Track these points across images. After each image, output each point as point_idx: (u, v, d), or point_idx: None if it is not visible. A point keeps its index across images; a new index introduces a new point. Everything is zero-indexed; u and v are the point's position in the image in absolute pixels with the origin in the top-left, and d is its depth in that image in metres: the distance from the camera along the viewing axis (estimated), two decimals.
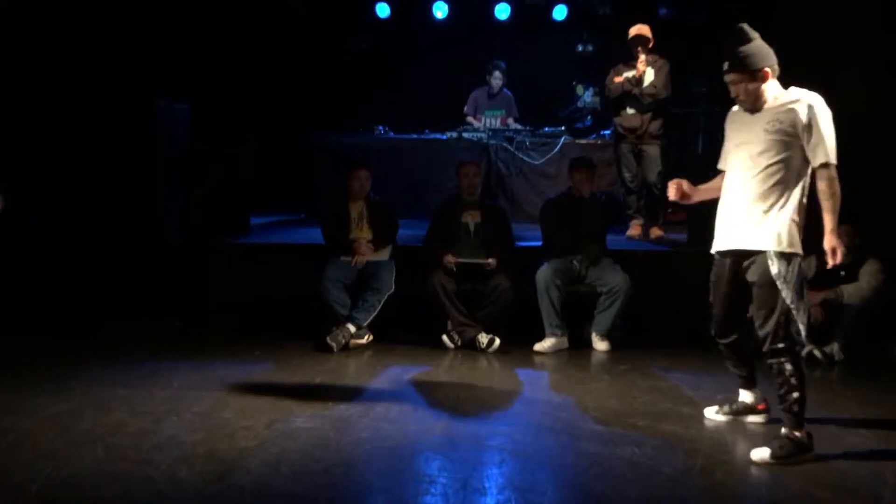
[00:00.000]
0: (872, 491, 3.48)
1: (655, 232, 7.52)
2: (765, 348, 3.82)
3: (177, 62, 7.43)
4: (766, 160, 3.79)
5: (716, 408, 4.40)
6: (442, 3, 10.07)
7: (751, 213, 3.84)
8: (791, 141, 3.75)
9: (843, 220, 5.75)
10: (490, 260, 5.96)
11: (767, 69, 3.78)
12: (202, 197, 7.08)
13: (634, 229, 7.54)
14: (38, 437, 3.89)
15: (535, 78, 9.69)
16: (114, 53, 6.91)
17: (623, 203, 7.65)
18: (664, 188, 7.50)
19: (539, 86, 9.66)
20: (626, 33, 7.35)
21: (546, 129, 8.89)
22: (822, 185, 3.72)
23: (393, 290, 5.96)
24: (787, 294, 3.75)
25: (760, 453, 3.77)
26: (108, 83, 6.82)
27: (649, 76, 7.26)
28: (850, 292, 5.75)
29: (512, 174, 8.72)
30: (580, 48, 10.06)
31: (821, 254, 5.88)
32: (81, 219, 6.63)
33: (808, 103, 3.73)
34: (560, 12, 10.14)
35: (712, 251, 4.07)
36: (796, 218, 3.80)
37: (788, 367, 3.78)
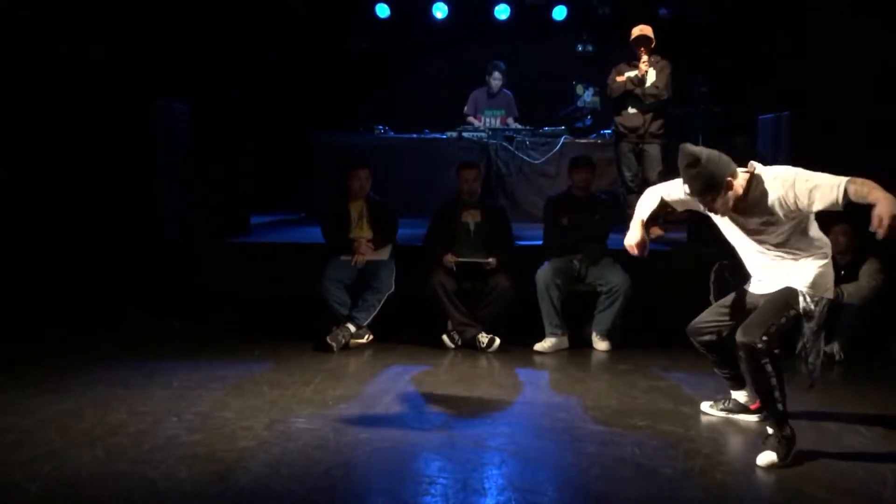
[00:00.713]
0: (872, 491, 3.48)
1: (655, 231, 7.51)
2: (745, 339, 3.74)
3: (177, 62, 7.44)
4: (781, 240, 3.80)
5: (711, 402, 4.47)
6: (442, 3, 10.07)
7: (780, 265, 3.88)
8: (796, 215, 3.70)
9: (843, 220, 5.82)
10: (490, 259, 5.96)
11: (729, 178, 3.65)
12: (202, 197, 7.08)
13: None
14: (38, 437, 3.89)
15: (535, 78, 9.70)
16: (114, 53, 6.91)
17: (623, 202, 7.65)
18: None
19: (539, 86, 9.66)
20: (626, 33, 7.35)
21: (546, 128, 8.90)
22: (853, 190, 3.49)
23: (393, 289, 5.96)
24: (807, 329, 3.86)
25: (767, 458, 3.73)
26: (108, 83, 6.83)
27: (651, 76, 7.27)
28: (850, 292, 5.75)
29: (512, 174, 8.72)
30: (580, 48, 10.06)
31: None
32: (81, 218, 6.63)
33: (782, 178, 3.64)
34: (560, 13, 10.14)
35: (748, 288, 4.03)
36: (822, 265, 3.87)
37: (769, 367, 3.74)
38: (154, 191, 6.89)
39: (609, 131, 8.48)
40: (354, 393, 4.80)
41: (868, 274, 5.79)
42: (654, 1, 9.53)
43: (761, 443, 3.82)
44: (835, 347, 5.68)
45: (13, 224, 6.43)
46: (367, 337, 5.93)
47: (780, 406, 3.77)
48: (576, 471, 3.70)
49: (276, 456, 3.71)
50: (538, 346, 5.83)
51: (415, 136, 9.09)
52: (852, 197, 3.48)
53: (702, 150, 3.69)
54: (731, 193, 3.69)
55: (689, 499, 3.43)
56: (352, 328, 5.80)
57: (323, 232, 6.25)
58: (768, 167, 3.77)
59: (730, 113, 8.78)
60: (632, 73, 7.24)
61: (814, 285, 3.83)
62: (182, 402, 4.46)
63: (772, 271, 3.91)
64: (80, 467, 3.54)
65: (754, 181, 3.72)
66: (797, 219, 3.73)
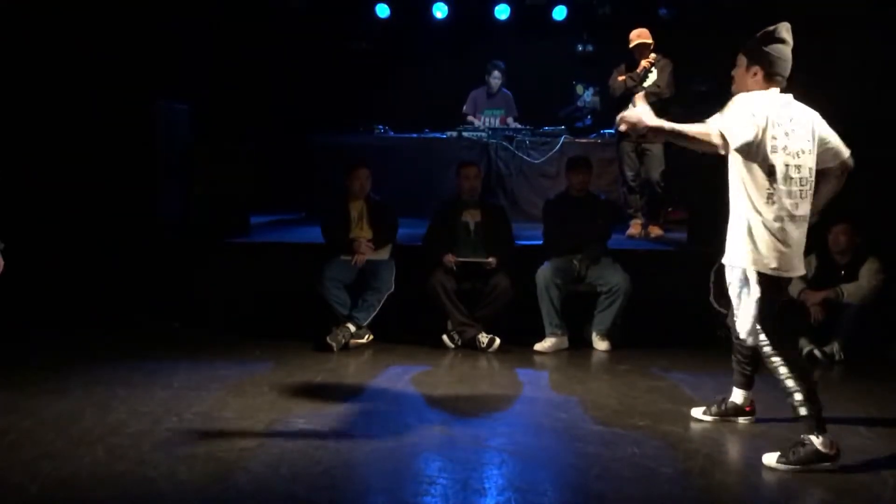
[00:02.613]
0: (873, 492, 3.48)
1: (655, 231, 7.52)
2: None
3: (177, 62, 7.43)
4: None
5: (703, 408, 4.37)
6: (442, 3, 10.06)
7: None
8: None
9: (843, 220, 5.82)
10: (490, 259, 5.96)
11: (761, 72, 3.76)
12: (202, 197, 7.08)
13: (634, 228, 7.54)
14: (38, 437, 3.89)
15: (535, 78, 9.69)
16: (114, 53, 6.91)
17: (624, 202, 7.66)
18: (667, 186, 7.53)
19: (539, 86, 9.66)
20: (627, 33, 7.34)
21: (546, 128, 8.89)
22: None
23: (393, 289, 5.96)
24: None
25: (768, 459, 3.72)
26: (108, 83, 6.82)
27: (652, 76, 7.26)
28: (850, 292, 5.75)
29: (512, 173, 8.72)
30: (580, 48, 10.05)
31: (821, 253, 5.94)
32: (81, 218, 6.63)
33: None
34: (560, 13, 10.13)
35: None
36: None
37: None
38: (154, 191, 6.89)
39: (611, 131, 8.48)
40: (354, 393, 4.80)
41: (868, 274, 5.79)
42: (654, 1, 9.53)
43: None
44: (835, 347, 5.68)
45: (13, 224, 6.42)
46: (367, 337, 5.93)
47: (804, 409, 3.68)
48: (576, 471, 3.70)
49: (276, 456, 3.71)
50: (538, 346, 5.83)
51: (415, 135, 9.09)
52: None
53: (788, 39, 3.79)
54: (749, 83, 3.77)
55: (689, 499, 3.43)
56: (352, 328, 5.80)
57: (323, 232, 6.25)
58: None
59: None
60: (639, 70, 7.23)
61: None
62: (182, 402, 4.46)
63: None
64: (80, 467, 3.54)
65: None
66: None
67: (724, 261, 3.88)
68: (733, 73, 3.89)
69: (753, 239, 3.70)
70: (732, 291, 3.84)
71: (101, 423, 4.08)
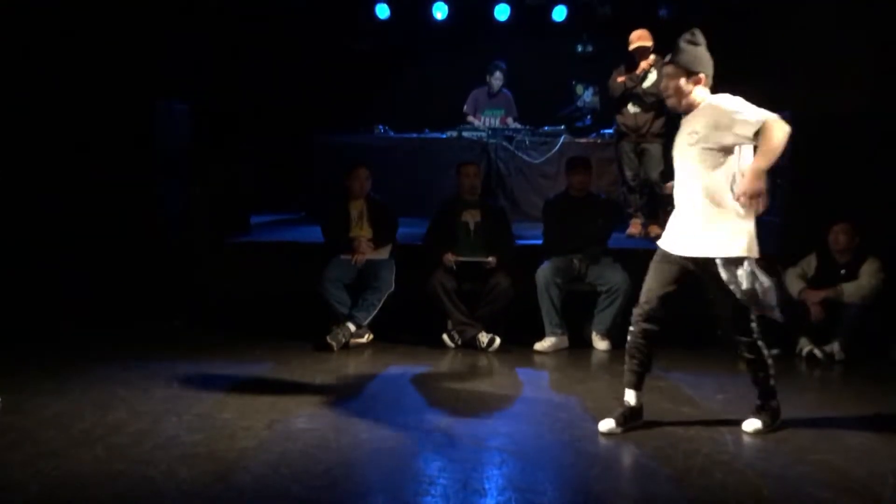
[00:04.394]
0: (872, 491, 3.48)
1: (655, 230, 7.51)
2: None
3: (177, 62, 7.43)
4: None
5: (612, 421, 4.12)
6: (442, 3, 10.06)
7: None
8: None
9: (843, 219, 5.82)
10: (490, 259, 5.96)
11: (702, 75, 3.94)
12: (202, 197, 7.08)
13: (634, 227, 7.56)
14: (39, 436, 3.89)
15: (535, 78, 9.68)
16: (114, 53, 6.91)
17: (624, 201, 7.66)
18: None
19: (539, 86, 9.65)
20: (627, 33, 7.35)
21: (546, 128, 8.90)
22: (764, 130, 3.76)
23: (393, 288, 5.96)
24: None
25: (753, 424, 4.13)
26: (108, 83, 6.82)
27: (652, 76, 7.27)
28: (850, 292, 5.75)
29: (511, 173, 8.72)
30: (580, 48, 10.05)
31: (821, 252, 5.95)
32: (81, 219, 6.63)
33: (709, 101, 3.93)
34: (560, 13, 10.13)
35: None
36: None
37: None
38: (154, 191, 6.89)
39: (610, 131, 8.48)
40: (354, 393, 4.80)
41: (868, 274, 5.79)
42: (654, 1, 9.52)
43: (752, 413, 4.16)
44: (835, 347, 5.68)
45: (13, 224, 6.42)
46: (367, 336, 5.93)
47: (772, 381, 4.13)
48: (576, 471, 3.70)
49: (276, 456, 3.71)
50: (538, 346, 5.84)
51: (415, 135, 9.09)
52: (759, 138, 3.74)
53: (703, 42, 4.00)
54: (692, 88, 3.93)
55: (689, 499, 3.43)
56: (352, 328, 5.80)
57: (323, 231, 6.25)
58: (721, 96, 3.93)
59: None
60: (639, 72, 7.24)
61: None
62: (182, 402, 4.46)
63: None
64: (80, 467, 3.54)
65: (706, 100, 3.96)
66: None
67: (713, 254, 3.90)
68: (669, 87, 3.99)
69: (746, 228, 3.87)
70: (742, 283, 3.86)
71: (101, 423, 4.09)
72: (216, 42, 8.38)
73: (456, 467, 3.65)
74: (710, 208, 3.90)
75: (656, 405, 4.59)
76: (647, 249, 6.95)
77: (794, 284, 5.89)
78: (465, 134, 8.83)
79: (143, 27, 7.09)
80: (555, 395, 4.91)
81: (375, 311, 5.88)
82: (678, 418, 4.37)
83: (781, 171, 6.66)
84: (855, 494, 3.46)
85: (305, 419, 4.23)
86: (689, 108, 3.99)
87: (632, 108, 7.38)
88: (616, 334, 5.93)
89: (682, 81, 3.94)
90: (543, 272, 5.93)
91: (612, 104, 7.71)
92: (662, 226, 7.66)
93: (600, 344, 5.91)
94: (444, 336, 5.92)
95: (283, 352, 5.61)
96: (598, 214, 6.19)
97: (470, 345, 5.84)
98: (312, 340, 5.78)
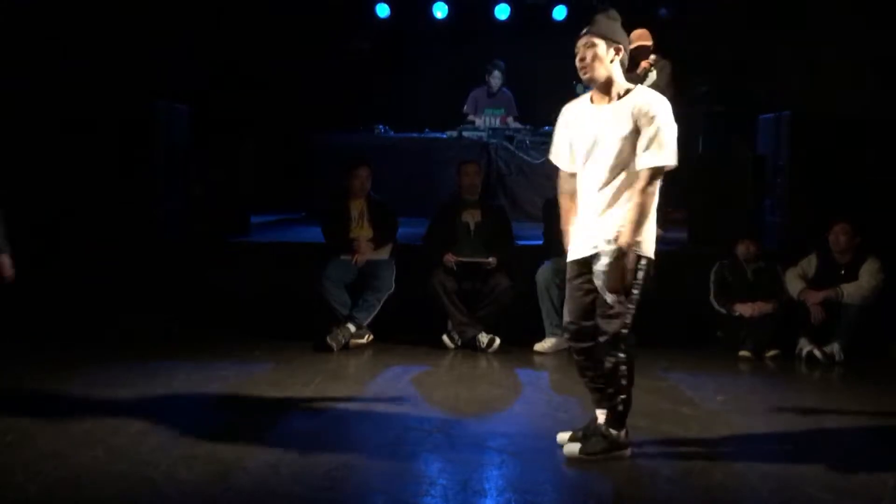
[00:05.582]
0: (872, 492, 3.47)
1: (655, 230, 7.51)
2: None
3: (177, 62, 7.43)
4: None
5: (569, 434, 3.88)
6: (442, 3, 10.06)
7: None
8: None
9: (843, 219, 5.82)
10: (490, 259, 5.96)
11: (621, 46, 3.68)
12: (202, 197, 7.08)
13: None
14: (38, 437, 3.88)
15: (535, 78, 9.68)
16: (114, 53, 6.91)
17: None
18: (667, 187, 7.49)
19: (539, 86, 9.64)
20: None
21: (546, 128, 8.88)
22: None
23: (393, 289, 5.96)
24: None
25: (570, 448, 3.73)
26: (108, 83, 6.82)
27: (652, 76, 7.26)
28: (850, 292, 5.75)
29: (512, 173, 8.72)
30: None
31: (821, 252, 5.94)
32: (81, 219, 6.63)
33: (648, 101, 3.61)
34: (560, 13, 10.13)
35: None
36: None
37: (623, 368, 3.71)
38: (154, 191, 6.89)
39: None
40: (354, 393, 4.80)
41: (868, 274, 5.79)
42: (654, 1, 9.52)
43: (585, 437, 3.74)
44: (835, 347, 5.68)
45: (12, 224, 6.42)
46: (367, 337, 5.93)
47: (621, 407, 3.71)
48: (576, 471, 3.69)
49: (276, 456, 3.71)
50: (538, 346, 5.83)
51: (415, 135, 9.09)
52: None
53: (619, 20, 3.74)
54: (608, 63, 3.66)
55: (689, 499, 3.43)
56: (352, 328, 5.79)
57: (323, 231, 6.25)
58: (649, 91, 3.71)
59: (730, 113, 8.78)
60: (639, 72, 7.24)
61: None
62: (182, 402, 4.46)
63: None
64: (80, 467, 3.54)
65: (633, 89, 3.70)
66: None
67: (618, 244, 3.76)
68: (587, 56, 3.67)
69: (649, 226, 3.75)
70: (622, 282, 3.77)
71: (101, 423, 4.08)
72: (216, 42, 8.38)
73: (456, 468, 3.65)
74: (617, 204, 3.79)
75: (656, 405, 4.59)
76: None
77: (795, 285, 5.89)
78: (465, 133, 8.83)
79: (143, 27, 7.09)
80: (555, 396, 4.91)
81: (375, 312, 5.87)
82: (678, 419, 4.36)
83: (782, 172, 6.67)
84: (855, 495, 3.45)
85: (305, 419, 4.23)
86: (609, 83, 3.71)
87: None
88: None
89: (602, 49, 3.65)
90: (543, 272, 5.92)
91: None
92: (663, 226, 7.69)
93: None
94: (444, 336, 5.92)
95: (283, 352, 5.60)
96: None
97: (470, 345, 5.83)
98: (312, 341, 5.78)
